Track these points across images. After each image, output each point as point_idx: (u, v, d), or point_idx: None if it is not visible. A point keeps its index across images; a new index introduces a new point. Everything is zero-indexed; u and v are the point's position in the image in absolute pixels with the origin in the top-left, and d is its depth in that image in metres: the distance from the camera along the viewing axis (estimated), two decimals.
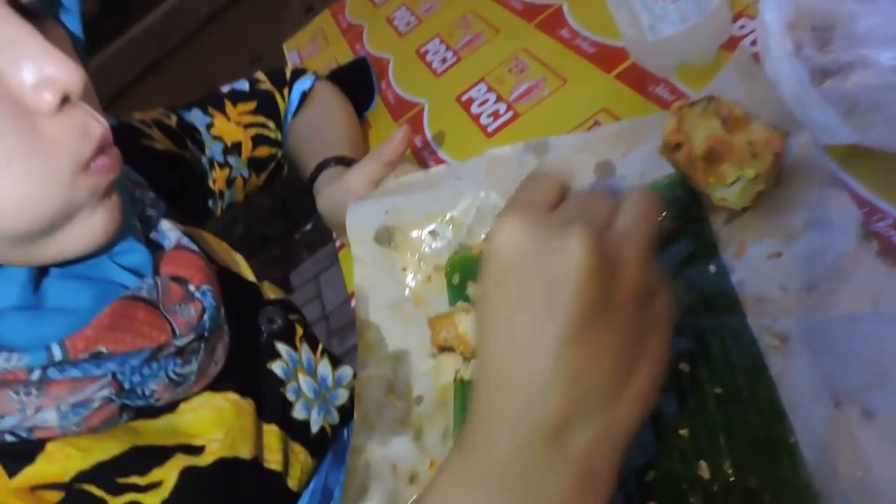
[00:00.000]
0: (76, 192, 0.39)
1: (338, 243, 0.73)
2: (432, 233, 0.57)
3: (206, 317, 0.46)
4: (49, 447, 0.42)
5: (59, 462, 0.42)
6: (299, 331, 0.60)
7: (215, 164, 0.73)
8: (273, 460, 0.53)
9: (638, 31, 0.55)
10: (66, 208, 0.39)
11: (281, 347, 0.57)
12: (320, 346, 0.61)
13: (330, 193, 0.65)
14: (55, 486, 0.41)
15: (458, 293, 0.54)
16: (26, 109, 0.37)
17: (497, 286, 0.32)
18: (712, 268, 0.44)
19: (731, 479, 0.36)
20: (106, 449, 0.43)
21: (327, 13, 1.24)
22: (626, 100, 0.60)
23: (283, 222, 2.76)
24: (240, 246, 0.64)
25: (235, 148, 0.74)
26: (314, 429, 0.57)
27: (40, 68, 0.36)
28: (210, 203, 0.73)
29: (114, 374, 0.41)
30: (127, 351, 0.41)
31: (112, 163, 0.40)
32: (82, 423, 0.41)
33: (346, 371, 0.61)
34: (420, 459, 0.48)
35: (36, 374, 0.38)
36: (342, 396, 0.60)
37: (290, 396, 0.56)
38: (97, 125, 0.39)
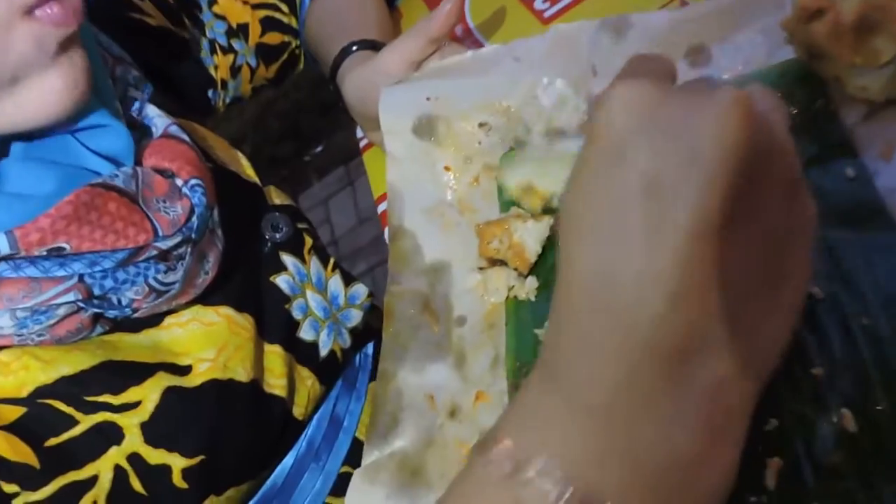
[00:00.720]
0: (16, 41, 0.33)
1: (363, 142, 0.63)
2: (483, 125, 0.47)
3: (194, 217, 0.39)
4: (5, 356, 0.37)
5: (15, 374, 0.37)
6: (308, 241, 0.53)
7: (217, 48, 0.63)
8: (276, 385, 0.47)
9: None
10: (4, 60, 0.33)
11: (287, 259, 0.50)
12: (332, 261, 0.54)
13: (359, 76, 0.54)
14: (12, 401, 0.37)
15: (511, 198, 0.45)
16: None
17: (607, 166, 0.23)
18: (850, 171, 0.35)
19: (889, 432, 0.27)
20: (73, 362, 0.39)
21: None
22: None
23: (293, 143, 2.67)
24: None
25: (241, 30, 0.64)
26: (323, 352, 0.50)
27: None
28: (210, 94, 0.63)
29: (81, 277, 0.36)
30: (96, 250, 0.36)
31: (64, 14, 0.34)
32: (45, 332, 0.37)
33: (359, 289, 0.54)
34: (462, 391, 0.40)
35: None
36: (355, 317, 0.53)
37: (297, 315, 0.50)
38: None
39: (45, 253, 0.35)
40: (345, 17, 0.65)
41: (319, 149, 2.64)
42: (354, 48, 0.58)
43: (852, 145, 0.36)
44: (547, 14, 0.60)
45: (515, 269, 0.42)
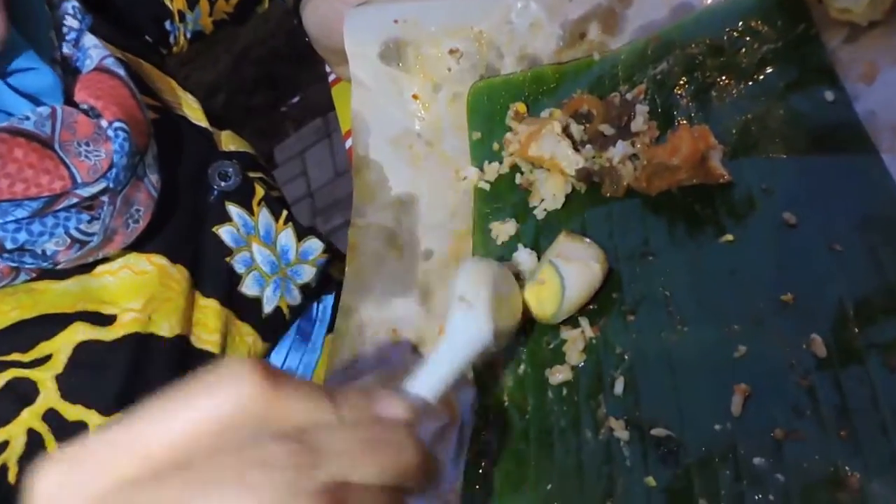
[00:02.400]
0: None
1: (331, 77, 0.61)
2: (453, 52, 0.45)
3: (117, 162, 0.37)
4: None
5: None
6: (259, 192, 0.50)
7: None
8: (208, 340, 0.45)
9: None
10: None
11: (232, 209, 0.48)
12: (284, 213, 0.51)
13: (320, 4, 0.51)
14: None
15: (487, 124, 0.44)
16: None
17: None
18: (829, 95, 0.34)
19: (860, 355, 0.26)
20: None
21: None
22: None
23: (270, 93, 2.60)
24: (222, 118, 0.52)
25: None
26: (267, 308, 0.48)
27: None
28: (169, 27, 0.59)
29: None
30: (2, 199, 0.34)
31: None
32: None
33: (313, 244, 0.51)
34: (427, 323, 0.39)
35: None
36: (306, 273, 0.51)
37: (239, 268, 0.47)
38: None
39: None
40: None
41: (296, 99, 2.58)
42: None
43: (832, 69, 0.35)
44: None
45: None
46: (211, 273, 0.46)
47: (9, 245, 0.35)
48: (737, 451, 0.27)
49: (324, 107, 2.46)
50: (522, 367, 0.34)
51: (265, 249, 0.49)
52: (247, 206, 0.49)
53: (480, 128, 0.44)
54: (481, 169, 0.42)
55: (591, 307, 0.34)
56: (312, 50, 0.56)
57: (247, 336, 0.47)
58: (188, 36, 0.61)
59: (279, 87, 2.62)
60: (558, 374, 0.32)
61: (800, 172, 0.32)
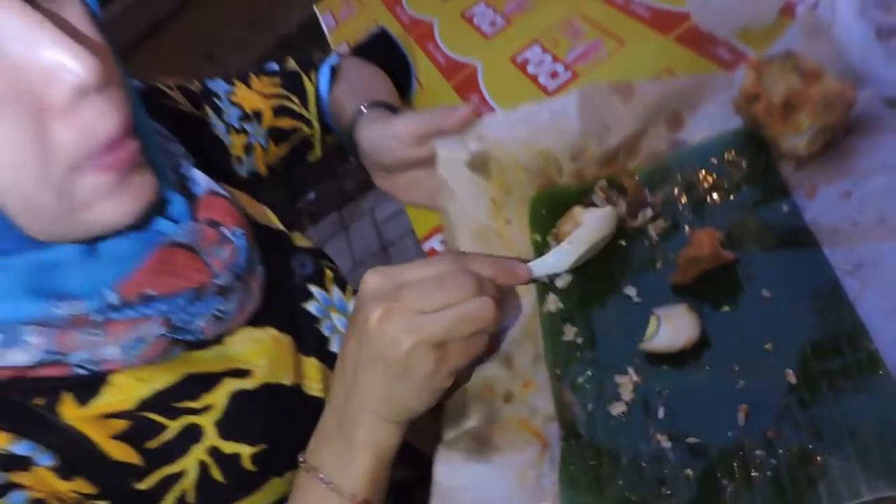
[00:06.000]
0: (72, 193, 0.39)
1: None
2: (525, 167, 0.60)
3: (240, 256, 0.49)
4: (114, 378, 0.46)
5: (124, 391, 0.46)
6: (329, 274, 0.64)
7: (232, 129, 0.74)
8: (315, 388, 0.57)
9: None
10: (63, 208, 0.39)
11: (313, 289, 0.61)
12: (349, 287, 0.65)
13: (376, 131, 0.66)
14: (122, 414, 0.46)
15: (544, 226, 0.58)
16: (37, 108, 0.36)
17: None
18: (785, 207, 0.49)
19: (817, 380, 0.41)
20: (163, 378, 0.48)
21: None
22: (687, 60, 0.65)
23: (286, 190, 2.79)
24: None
25: (255, 116, 0.75)
26: None
27: (53, 61, 0.35)
28: (234, 167, 0.75)
29: (164, 313, 0.45)
30: (172, 292, 0.45)
31: (121, 160, 0.40)
32: (141, 356, 0.45)
33: None
34: (513, 380, 0.53)
35: (97, 316, 0.42)
36: None
37: (326, 332, 0.60)
38: (107, 123, 0.38)
39: (138, 299, 0.43)
40: (360, 90, 0.76)
41: (312, 196, 2.77)
42: (366, 108, 0.70)
43: (787, 189, 0.51)
44: (550, 88, 0.75)
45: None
46: (307, 338, 0.58)
47: (176, 323, 0.46)
48: (744, 448, 0.41)
49: (339, 202, 2.65)
50: (590, 405, 0.48)
51: (341, 316, 0.62)
52: (322, 285, 0.62)
53: (539, 230, 0.59)
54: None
55: (636, 360, 0.48)
56: (328, 157, 0.73)
57: None
58: (245, 175, 0.76)
59: (296, 184, 2.81)
60: (617, 407, 0.47)
61: (770, 262, 0.47)
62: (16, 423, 0.42)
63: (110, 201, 0.40)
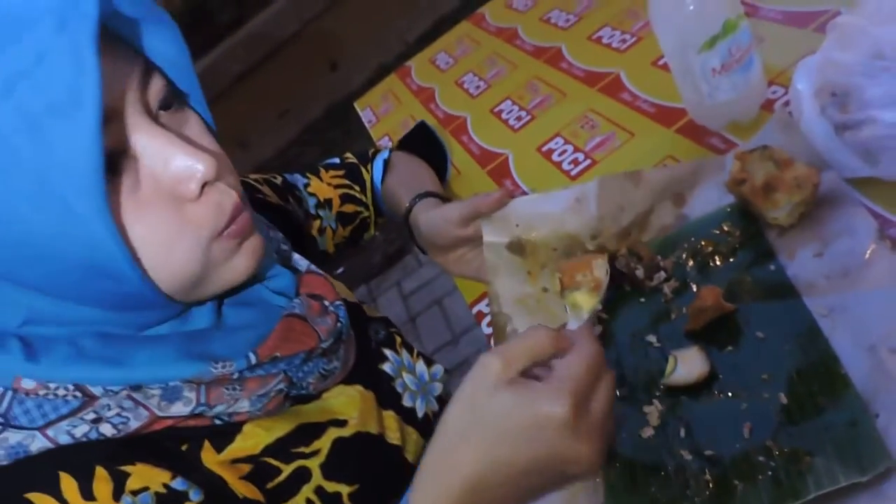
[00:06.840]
0: (213, 255, 0.49)
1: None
2: (555, 247, 0.74)
3: (341, 324, 0.58)
4: (245, 428, 0.53)
5: (252, 439, 0.53)
6: (397, 339, 0.73)
7: (309, 216, 0.86)
8: (394, 437, 0.63)
9: (699, 97, 0.74)
10: (207, 268, 0.49)
11: (387, 352, 0.69)
12: (415, 351, 0.73)
13: (432, 218, 0.79)
14: (247, 458, 0.53)
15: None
16: (177, 199, 0.47)
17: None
18: (772, 267, 0.62)
19: (803, 399, 0.53)
20: (281, 427, 0.55)
21: (394, 77, 1.43)
22: (687, 149, 0.79)
23: (321, 266, 2.93)
24: None
25: (327, 203, 0.88)
26: (419, 414, 0.68)
27: (183, 166, 0.46)
28: (314, 248, 0.85)
29: (285, 372, 0.53)
30: (292, 354, 0.53)
31: (242, 227, 0.50)
32: (263, 408, 0.53)
33: (438, 368, 0.72)
34: None
35: (237, 375, 0.50)
36: (437, 388, 0.71)
37: (399, 389, 0.68)
38: (230, 199, 0.49)
39: (268, 361, 0.51)
40: (409, 180, 0.91)
41: (340, 270, 2.91)
42: (420, 199, 0.84)
43: (773, 252, 0.63)
44: (573, 173, 0.89)
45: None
46: (385, 394, 0.65)
47: (294, 380, 0.54)
48: (749, 455, 0.52)
49: (367, 275, 2.78)
50: (624, 433, 0.60)
51: (410, 375, 0.69)
52: (393, 348, 0.70)
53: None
54: None
55: (659, 393, 0.60)
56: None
57: (412, 434, 0.66)
58: (317, 254, 0.86)
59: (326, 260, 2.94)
60: (647, 431, 0.58)
61: (762, 311, 0.60)
62: (173, 464, 0.48)
63: (236, 259, 0.51)
